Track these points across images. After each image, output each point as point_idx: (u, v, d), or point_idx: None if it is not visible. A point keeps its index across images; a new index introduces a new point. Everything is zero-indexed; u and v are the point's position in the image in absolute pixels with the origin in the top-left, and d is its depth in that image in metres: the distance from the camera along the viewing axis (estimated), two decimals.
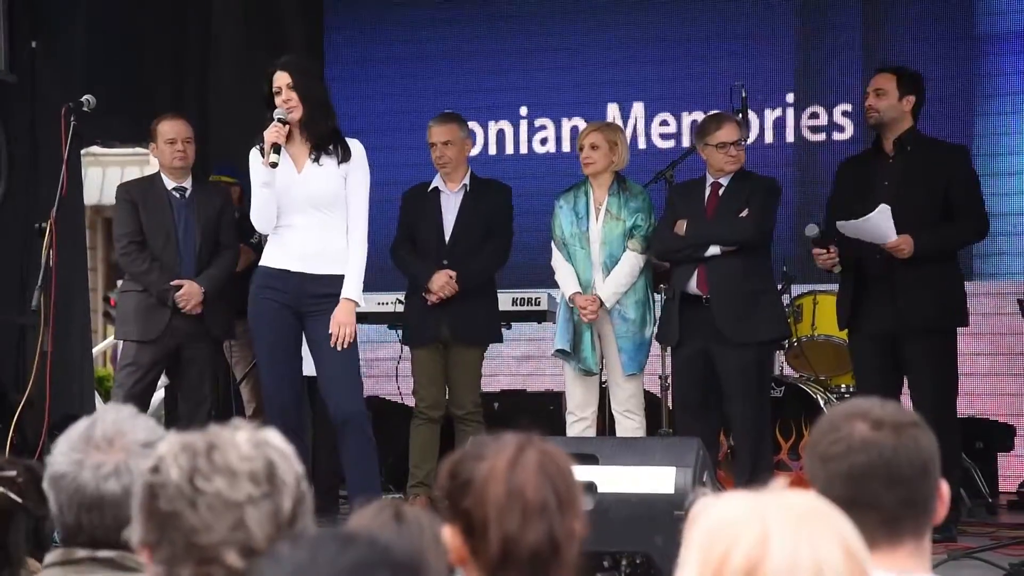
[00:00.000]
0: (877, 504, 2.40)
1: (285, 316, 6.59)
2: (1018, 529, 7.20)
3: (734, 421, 7.11)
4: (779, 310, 7.35)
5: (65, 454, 2.58)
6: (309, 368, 6.76)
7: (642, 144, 9.52)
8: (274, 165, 6.43)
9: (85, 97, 7.24)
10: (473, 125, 8.99)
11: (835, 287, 7.42)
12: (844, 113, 9.25)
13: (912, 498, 2.43)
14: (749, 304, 7.04)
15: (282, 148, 6.45)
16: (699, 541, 1.77)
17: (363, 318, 7.73)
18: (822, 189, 8.53)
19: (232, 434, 2.12)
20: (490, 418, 7.71)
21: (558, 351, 7.45)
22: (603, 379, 7.62)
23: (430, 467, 7.40)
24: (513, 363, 9.71)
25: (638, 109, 9.62)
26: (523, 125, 9.84)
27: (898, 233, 6.76)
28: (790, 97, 9.37)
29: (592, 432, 7.44)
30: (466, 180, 7.72)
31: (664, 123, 9.58)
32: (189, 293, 7.19)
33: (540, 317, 8.70)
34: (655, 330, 7.37)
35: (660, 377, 7.77)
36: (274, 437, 2.16)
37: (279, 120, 6.45)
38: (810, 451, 2.48)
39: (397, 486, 8.10)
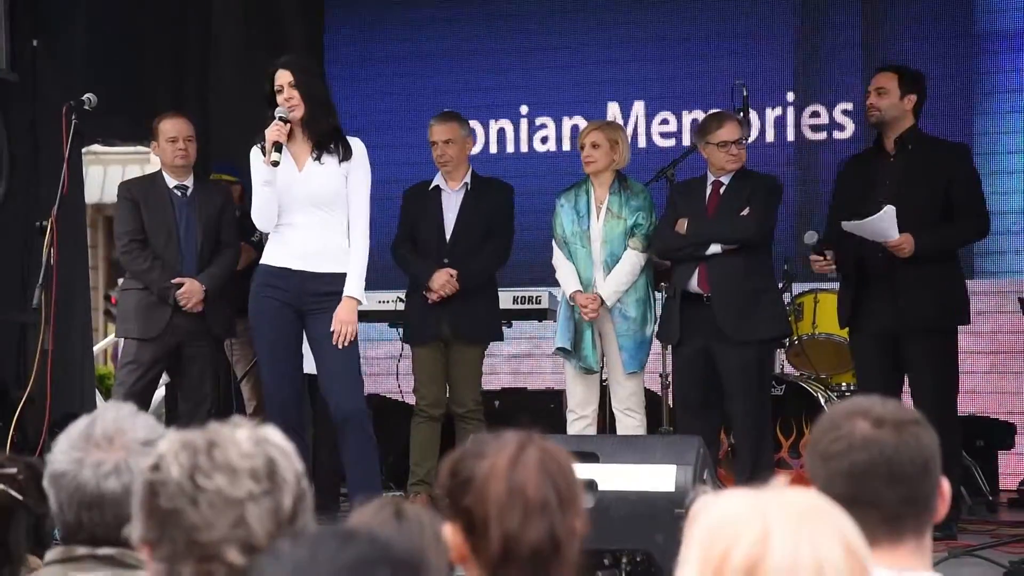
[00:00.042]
0: (878, 502, 2.40)
1: (286, 314, 6.59)
2: (1018, 527, 7.20)
3: (735, 419, 7.11)
4: (780, 308, 7.35)
5: (65, 452, 2.58)
6: (310, 366, 6.76)
7: (642, 143, 9.52)
8: (275, 164, 6.43)
9: (86, 96, 7.25)
10: (473, 124, 8.98)
11: (836, 286, 7.42)
12: (844, 112, 9.25)
13: (913, 496, 2.43)
14: (750, 302, 7.05)
15: (283, 146, 6.45)
16: (700, 539, 1.77)
17: (363, 316, 7.71)
18: (823, 188, 8.54)
19: (232, 431, 2.12)
20: (491, 416, 7.71)
21: (559, 349, 7.45)
22: (604, 377, 7.62)
23: (430, 465, 7.41)
24: (514, 361, 9.72)
25: (638, 108, 9.61)
26: (523, 124, 9.84)
27: (899, 232, 6.75)
28: (790, 96, 9.36)
29: (593, 430, 7.44)
30: (467, 179, 7.73)
31: (664, 122, 9.58)
32: (190, 291, 7.19)
33: (541, 315, 8.70)
34: (656, 328, 7.37)
35: (661, 375, 7.77)
36: (274, 434, 2.16)
37: (280, 119, 6.45)
38: (811, 449, 2.48)
39: (398, 484, 8.10)
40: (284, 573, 1.76)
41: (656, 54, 9.57)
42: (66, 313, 8.05)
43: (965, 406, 7.91)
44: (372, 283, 6.84)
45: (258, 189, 6.55)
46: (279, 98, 6.49)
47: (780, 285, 7.72)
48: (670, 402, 7.63)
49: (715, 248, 7.07)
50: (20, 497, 2.94)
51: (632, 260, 7.32)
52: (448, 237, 7.65)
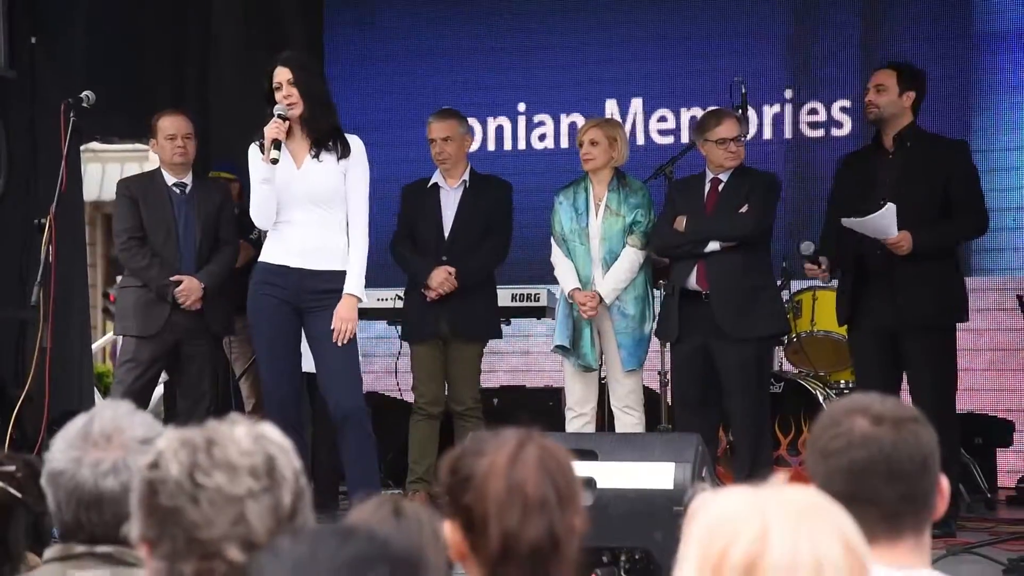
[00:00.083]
0: (877, 499, 2.40)
1: (284, 312, 6.58)
2: (1017, 524, 7.21)
3: (733, 417, 7.11)
4: (779, 306, 7.35)
5: (63, 451, 2.57)
6: (309, 364, 6.76)
7: (640, 140, 9.52)
8: (274, 161, 6.42)
9: (84, 93, 7.25)
10: (472, 121, 8.97)
11: (835, 283, 7.42)
12: (842, 109, 9.25)
13: (912, 493, 2.43)
14: (748, 300, 7.05)
15: (282, 144, 6.45)
16: (698, 536, 1.77)
17: (362, 314, 7.70)
18: (821, 185, 8.53)
19: (231, 429, 2.12)
20: (489, 414, 7.71)
21: (557, 347, 7.45)
22: (602, 375, 7.62)
23: (429, 463, 7.41)
24: (512, 359, 9.72)
25: (637, 105, 9.61)
26: (522, 121, 9.84)
27: (898, 229, 6.75)
28: (788, 93, 9.37)
29: (591, 428, 7.44)
30: (466, 176, 7.72)
31: (663, 119, 9.58)
32: (189, 289, 7.19)
33: (539, 313, 8.70)
34: (654, 326, 7.37)
35: (659, 373, 7.77)
36: (272, 432, 2.16)
37: (279, 116, 6.44)
38: (810, 446, 2.48)
39: (396, 482, 8.10)
40: (284, 570, 1.76)
41: (654, 51, 9.56)
42: (64, 311, 8.06)
43: (964, 403, 7.92)
44: (371, 281, 6.84)
45: (257, 187, 6.54)
46: (278, 95, 6.49)
47: (779, 282, 7.72)
48: (669, 400, 7.63)
49: (714, 245, 7.07)
50: (19, 495, 2.94)
51: (631, 257, 7.32)
52: (447, 235, 7.65)
